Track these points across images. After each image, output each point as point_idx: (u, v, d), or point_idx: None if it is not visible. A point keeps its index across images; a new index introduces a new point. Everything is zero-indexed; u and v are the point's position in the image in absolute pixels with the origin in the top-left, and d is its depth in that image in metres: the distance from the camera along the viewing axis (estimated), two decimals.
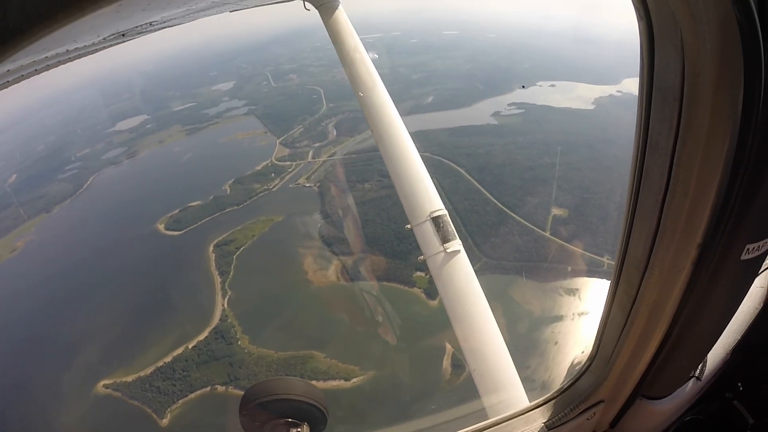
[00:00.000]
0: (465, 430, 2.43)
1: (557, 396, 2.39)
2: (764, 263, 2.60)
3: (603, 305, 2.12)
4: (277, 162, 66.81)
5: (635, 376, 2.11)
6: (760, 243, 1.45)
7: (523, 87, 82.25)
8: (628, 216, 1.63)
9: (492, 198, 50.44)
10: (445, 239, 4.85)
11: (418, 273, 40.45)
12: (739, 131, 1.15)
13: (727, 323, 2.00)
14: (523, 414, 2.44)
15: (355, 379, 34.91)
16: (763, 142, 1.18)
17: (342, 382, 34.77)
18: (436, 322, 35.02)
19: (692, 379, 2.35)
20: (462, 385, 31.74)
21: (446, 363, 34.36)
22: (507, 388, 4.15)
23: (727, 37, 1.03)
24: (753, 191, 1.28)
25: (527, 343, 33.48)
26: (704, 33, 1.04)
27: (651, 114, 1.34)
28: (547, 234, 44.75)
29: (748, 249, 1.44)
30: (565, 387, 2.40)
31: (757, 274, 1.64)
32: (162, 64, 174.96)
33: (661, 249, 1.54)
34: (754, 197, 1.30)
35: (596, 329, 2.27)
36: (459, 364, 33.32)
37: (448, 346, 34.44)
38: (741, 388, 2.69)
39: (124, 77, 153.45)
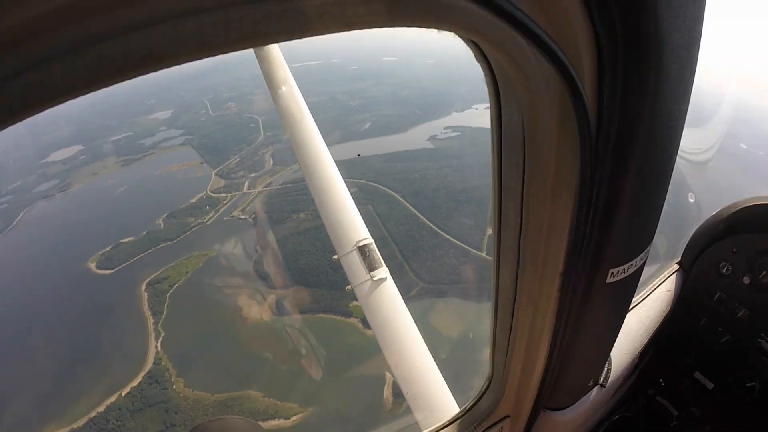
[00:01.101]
0: None
1: (463, 415, 2.40)
2: (668, 270, 2.92)
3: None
4: (212, 194, 65.64)
5: (532, 392, 2.17)
6: (624, 266, 1.55)
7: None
8: (495, 250, 1.69)
9: (427, 222, 51.28)
10: (371, 267, 4.90)
11: (355, 303, 39.89)
12: (580, 172, 1.22)
13: (615, 336, 2.12)
14: None
15: (295, 417, 34.39)
16: (608, 180, 1.26)
17: (282, 421, 34.18)
18: (374, 352, 34.91)
19: (597, 387, 2.44)
20: (405, 412, 31.68)
21: (387, 392, 34.32)
22: (441, 409, 4.20)
23: (556, 90, 1.09)
24: (606, 223, 1.37)
25: (466, 365, 33.82)
26: (536, 88, 1.10)
27: (502, 159, 1.40)
28: (483, 254, 45.76)
29: (612, 273, 1.54)
30: (469, 406, 2.41)
31: (633, 291, 1.77)
32: (101, 90, 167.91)
33: (525, 280, 1.62)
34: (608, 228, 1.39)
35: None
36: (400, 392, 33.18)
37: (388, 375, 34.29)
38: (663, 384, 2.96)
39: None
